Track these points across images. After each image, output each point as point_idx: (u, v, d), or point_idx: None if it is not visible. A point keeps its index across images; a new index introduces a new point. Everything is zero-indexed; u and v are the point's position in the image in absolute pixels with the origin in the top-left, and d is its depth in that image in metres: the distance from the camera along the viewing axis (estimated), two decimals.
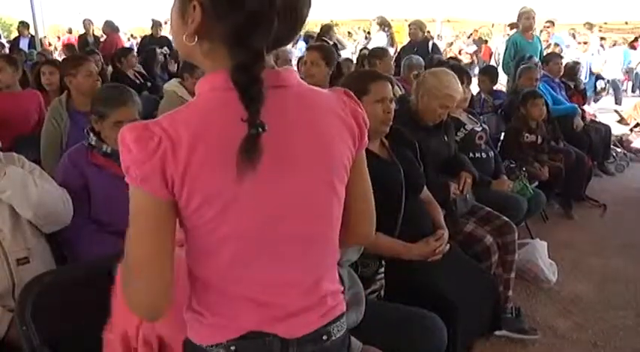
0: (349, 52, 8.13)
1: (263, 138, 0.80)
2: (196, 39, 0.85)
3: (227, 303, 0.93)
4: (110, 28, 8.02)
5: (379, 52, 4.58)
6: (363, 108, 1.01)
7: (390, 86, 2.10)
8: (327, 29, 6.61)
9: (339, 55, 5.97)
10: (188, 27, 0.84)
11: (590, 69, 7.07)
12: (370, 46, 6.21)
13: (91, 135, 2.18)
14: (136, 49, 7.47)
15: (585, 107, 5.55)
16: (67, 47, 8.11)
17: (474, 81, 4.71)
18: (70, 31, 12.46)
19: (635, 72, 11.94)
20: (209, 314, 0.94)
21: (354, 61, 5.76)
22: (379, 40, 6.70)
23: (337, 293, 1.03)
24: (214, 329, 0.94)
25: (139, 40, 10.83)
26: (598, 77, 7.78)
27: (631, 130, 6.39)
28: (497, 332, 2.49)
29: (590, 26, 10.23)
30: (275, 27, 0.81)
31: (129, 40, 13.84)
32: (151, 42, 7.44)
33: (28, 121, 3.41)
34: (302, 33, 10.99)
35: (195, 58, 0.90)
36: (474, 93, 4.45)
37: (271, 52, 0.90)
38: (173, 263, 0.89)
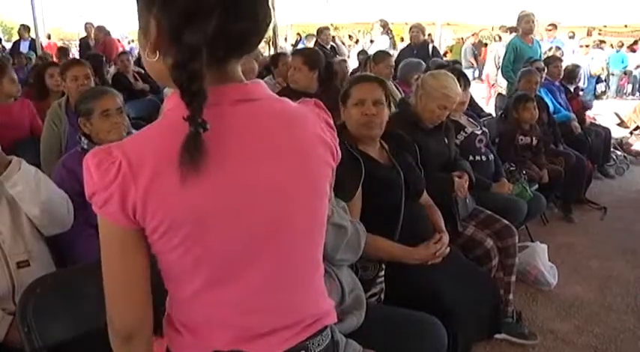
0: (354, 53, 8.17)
1: (232, 159, 0.81)
2: (158, 54, 0.83)
3: (200, 323, 0.92)
4: (102, 32, 8.04)
5: (379, 56, 4.59)
6: (331, 117, 1.00)
7: (379, 88, 2.09)
8: (319, 32, 6.64)
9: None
10: (148, 42, 0.84)
11: (589, 72, 7.07)
12: (372, 49, 6.22)
13: (83, 138, 2.21)
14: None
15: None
16: (60, 50, 8.11)
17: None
18: (49, 37, 12.41)
19: (633, 74, 11.96)
20: (184, 330, 0.93)
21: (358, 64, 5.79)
22: (382, 42, 6.72)
23: (320, 312, 1.01)
24: (189, 345, 0.93)
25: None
26: (598, 80, 7.78)
27: (631, 133, 6.40)
28: (497, 336, 2.49)
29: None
30: (213, 24, 0.78)
31: (129, 43, 13.86)
32: None
33: (21, 130, 3.39)
34: (304, 36, 11.04)
35: (161, 75, 0.86)
36: None
37: (236, 60, 0.88)
38: (146, 285, 0.89)
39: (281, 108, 0.92)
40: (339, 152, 0.99)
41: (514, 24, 6.03)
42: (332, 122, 0.99)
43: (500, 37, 10.88)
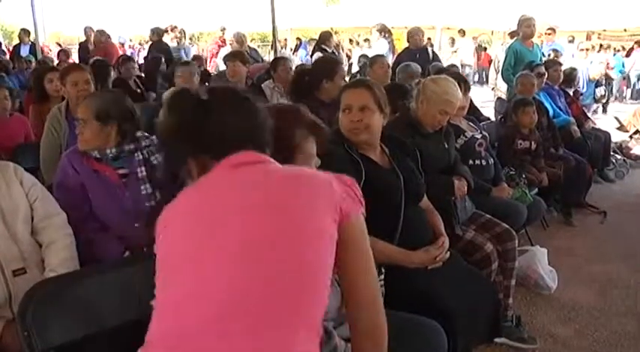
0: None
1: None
2: None
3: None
4: (102, 36, 8.06)
5: (373, 59, 4.61)
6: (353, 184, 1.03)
7: (367, 93, 2.07)
8: (325, 37, 6.61)
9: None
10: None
11: (588, 76, 7.07)
12: (371, 54, 6.22)
13: None
14: (144, 55, 7.48)
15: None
16: (63, 52, 8.14)
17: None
18: None
19: (632, 80, 11.99)
20: None
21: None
22: (380, 47, 6.72)
23: None
24: None
25: (142, 47, 10.81)
26: (597, 84, 7.75)
27: (630, 137, 6.39)
28: (496, 340, 2.49)
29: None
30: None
31: (130, 47, 13.90)
32: (157, 49, 7.45)
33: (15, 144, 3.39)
34: (305, 41, 11.06)
35: None
36: None
37: None
38: None
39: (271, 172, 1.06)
40: (352, 207, 1.07)
41: (514, 28, 6.05)
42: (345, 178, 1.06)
43: (453, 40, 10.94)
